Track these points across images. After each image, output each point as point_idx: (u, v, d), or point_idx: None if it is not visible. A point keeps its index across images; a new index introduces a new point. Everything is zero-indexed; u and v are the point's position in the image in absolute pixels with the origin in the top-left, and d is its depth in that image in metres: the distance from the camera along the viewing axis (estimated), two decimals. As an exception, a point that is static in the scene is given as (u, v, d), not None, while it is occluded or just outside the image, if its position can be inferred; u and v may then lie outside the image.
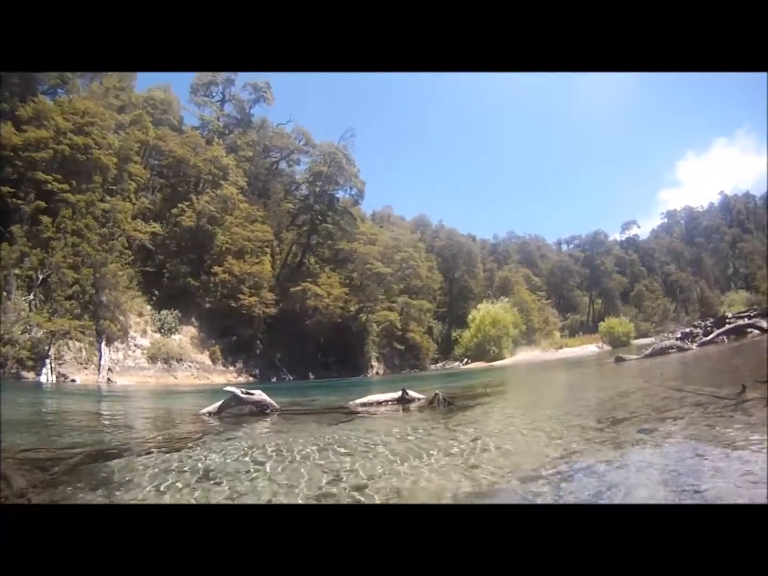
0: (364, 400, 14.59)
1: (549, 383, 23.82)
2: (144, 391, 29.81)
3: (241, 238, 54.00)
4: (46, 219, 38.19)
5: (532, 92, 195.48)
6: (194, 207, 52.62)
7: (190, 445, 9.07)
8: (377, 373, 63.64)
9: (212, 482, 6.06)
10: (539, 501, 4.48)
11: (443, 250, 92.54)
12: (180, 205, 52.44)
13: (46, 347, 34.28)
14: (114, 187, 45.85)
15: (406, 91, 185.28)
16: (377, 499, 4.87)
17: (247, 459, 7.35)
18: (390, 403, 14.20)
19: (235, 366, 52.30)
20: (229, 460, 7.32)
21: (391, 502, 4.78)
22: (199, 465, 7.07)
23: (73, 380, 34.40)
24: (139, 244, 47.05)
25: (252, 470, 6.60)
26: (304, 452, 7.59)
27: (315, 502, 4.96)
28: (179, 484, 5.93)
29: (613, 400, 11.81)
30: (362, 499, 4.93)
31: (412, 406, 13.58)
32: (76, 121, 41.80)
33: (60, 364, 35.33)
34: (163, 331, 46.95)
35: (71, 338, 36.60)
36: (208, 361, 49.51)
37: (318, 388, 33.11)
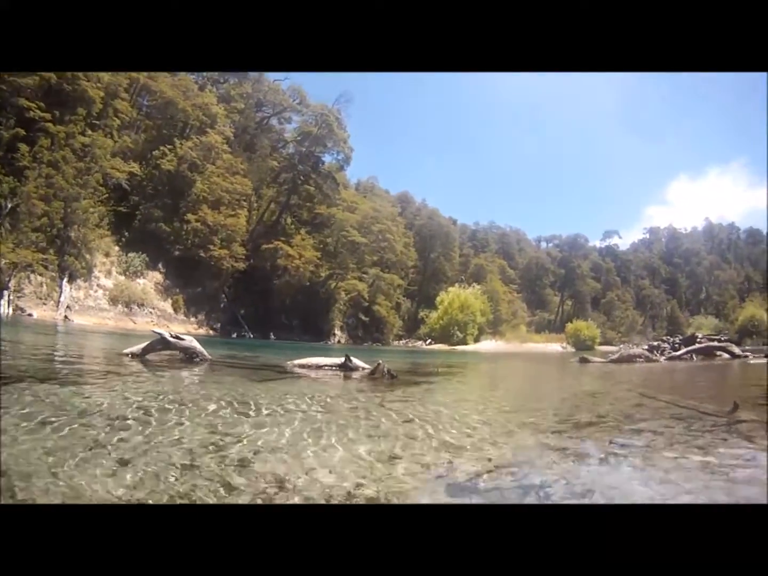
0: (303, 361, 14.27)
1: (508, 372, 23.43)
2: (96, 332, 29.35)
3: (220, 189, 53.30)
4: (23, 147, 37.45)
5: (536, 91, 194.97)
6: (176, 151, 51.66)
7: (89, 381, 8.66)
8: (339, 342, 63.71)
9: (82, 423, 5.51)
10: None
11: (422, 228, 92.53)
12: (162, 148, 51.40)
13: (7, 278, 33.62)
14: (97, 122, 45.05)
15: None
16: (249, 480, 4.13)
17: (138, 404, 6.77)
18: (331, 368, 13.79)
19: (196, 317, 52.14)
20: (118, 403, 6.76)
21: (268, 489, 4.00)
22: (83, 402, 6.57)
23: (30, 314, 33.94)
24: (115, 182, 46.15)
25: (135, 417, 5.99)
26: (205, 407, 7.03)
27: (175, 470, 4.26)
28: (52, 419, 5.46)
29: (577, 398, 11.10)
30: (233, 478, 4.15)
31: (354, 374, 13.10)
32: (68, 49, 40.47)
33: (19, 297, 34.82)
34: (128, 273, 46.38)
35: (33, 271, 36.07)
36: (170, 310, 49.26)
37: (275, 348, 32.76)
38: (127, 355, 12.92)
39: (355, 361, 13.76)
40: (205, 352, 13.54)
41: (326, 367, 13.87)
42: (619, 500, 4.02)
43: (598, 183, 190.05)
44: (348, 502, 3.86)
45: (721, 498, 4.02)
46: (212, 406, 7.15)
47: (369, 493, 4.07)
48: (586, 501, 3.97)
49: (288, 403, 7.92)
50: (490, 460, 5.13)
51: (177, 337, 13.31)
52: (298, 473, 4.44)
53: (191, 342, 13.46)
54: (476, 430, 6.72)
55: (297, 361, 14.40)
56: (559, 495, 4.11)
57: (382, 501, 3.91)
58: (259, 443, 5.33)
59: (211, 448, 5.02)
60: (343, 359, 13.80)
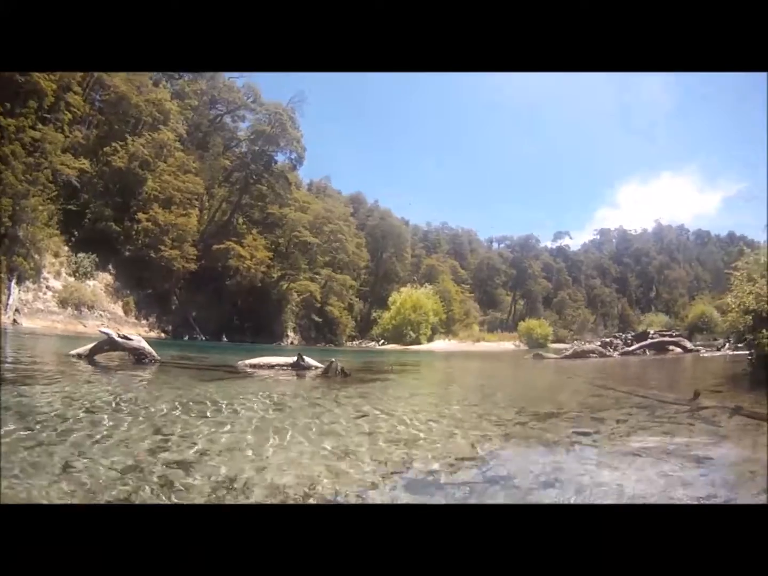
0: (255, 361, 14.22)
1: (464, 369, 23.51)
2: (46, 335, 29.06)
3: (171, 188, 52.41)
4: (-28, 142, 36.11)
5: (503, 91, 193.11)
6: (128, 148, 50.37)
7: (39, 384, 8.57)
8: (292, 343, 63.12)
9: (23, 425, 5.41)
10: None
11: (374, 229, 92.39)
12: (114, 144, 50.07)
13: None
14: (48, 116, 43.62)
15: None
16: (199, 481, 4.05)
17: (81, 406, 6.65)
18: (283, 367, 13.78)
19: (147, 320, 51.31)
20: (59, 405, 6.63)
21: (218, 490, 3.92)
22: (24, 403, 6.51)
23: (-24, 318, 32.67)
24: (65, 179, 44.76)
25: (77, 419, 5.89)
26: (152, 408, 6.92)
27: (118, 473, 4.14)
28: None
29: (536, 391, 11.26)
30: (184, 479, 4.08)
31: (308, 373, 13.15)
32: (22, 39, 39.35)
33: (-35, 300, 33.52)
34: (77, 275, 45.26)
35: (-21, 273, 34.75)
36: (121, 312, 48.27)
37: (227, 349, 32.42)
38: (74, 356, 12.75)
39: (308, 359, 13.80)
40: (155, 353, 13.40)
41: (278, 367, 13.86)
42: (587, 487, 4.12)
43: (550, 185, 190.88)
44: (305, 502, 3.82)
45: (691, 480, 4.25)
46: (162, 407, 7.06)
47: (326, 491, 4.03)
48: (552, 489, 4.09)
49: (240, 402, 7.89)
50: (452, 454, 5.12)
51: (125, 338, 13.16)
52: (252, 472, 4.38)
53: (140, 342, 13.31)
54: (437, 425, 6.73)
55: (249, 361, 14.33)
56: (525, 486, 4.15)
57: (340, 500, 3.87)
58: (211, 443, 5.27)
59: (161, 448, 4.97)
60: (295, 358, 13.79)
